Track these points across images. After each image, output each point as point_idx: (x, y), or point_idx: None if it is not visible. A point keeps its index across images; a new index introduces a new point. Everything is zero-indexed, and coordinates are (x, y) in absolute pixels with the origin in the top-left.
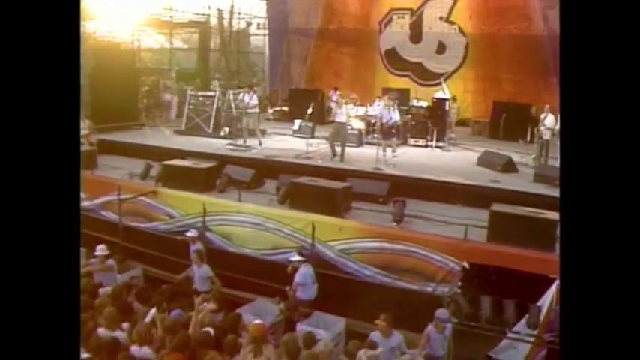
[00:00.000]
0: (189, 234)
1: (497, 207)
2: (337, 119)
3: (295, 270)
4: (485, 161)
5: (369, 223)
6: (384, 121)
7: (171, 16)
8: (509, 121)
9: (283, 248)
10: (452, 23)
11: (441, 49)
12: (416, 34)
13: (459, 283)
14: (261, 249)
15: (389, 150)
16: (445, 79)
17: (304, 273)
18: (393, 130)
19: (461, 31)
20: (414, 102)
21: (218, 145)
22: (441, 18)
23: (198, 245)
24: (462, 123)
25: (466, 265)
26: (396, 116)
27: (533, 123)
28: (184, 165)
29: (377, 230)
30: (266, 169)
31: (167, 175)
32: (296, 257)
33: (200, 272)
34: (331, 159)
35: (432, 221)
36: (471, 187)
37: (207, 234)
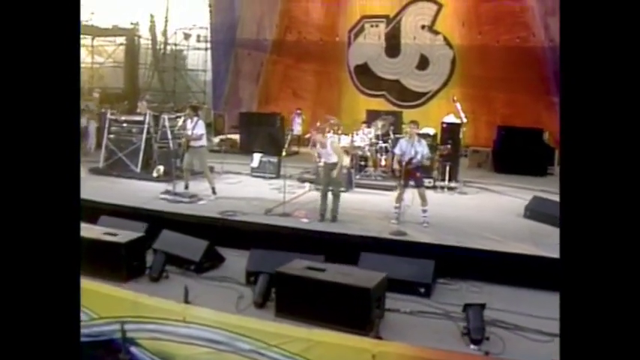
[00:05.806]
0: None
1: None
2: (324, 159)
3: None
4: (538, 213)
5: (422, 347)
6: (406, 158)
7: (91, 25)
8: (518, 151)
9: None
10: (436, 33)
11: (423, 63)
12: (392, 46)
13: None
14: None
15: (406, 200)
16: (427, 101)
17: None
18: (418, 174)
19: (447, 42)
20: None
21: (150, 192)
22: (423, 27)
23: None
24: None
25: None
26: (423, 150)
27: (547, 153)
28: (94, 237)
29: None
30: (223, 234)
31: None
32: None
33: None
34: (319, 220)
35: (524, 331)
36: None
37: (134, 349)
